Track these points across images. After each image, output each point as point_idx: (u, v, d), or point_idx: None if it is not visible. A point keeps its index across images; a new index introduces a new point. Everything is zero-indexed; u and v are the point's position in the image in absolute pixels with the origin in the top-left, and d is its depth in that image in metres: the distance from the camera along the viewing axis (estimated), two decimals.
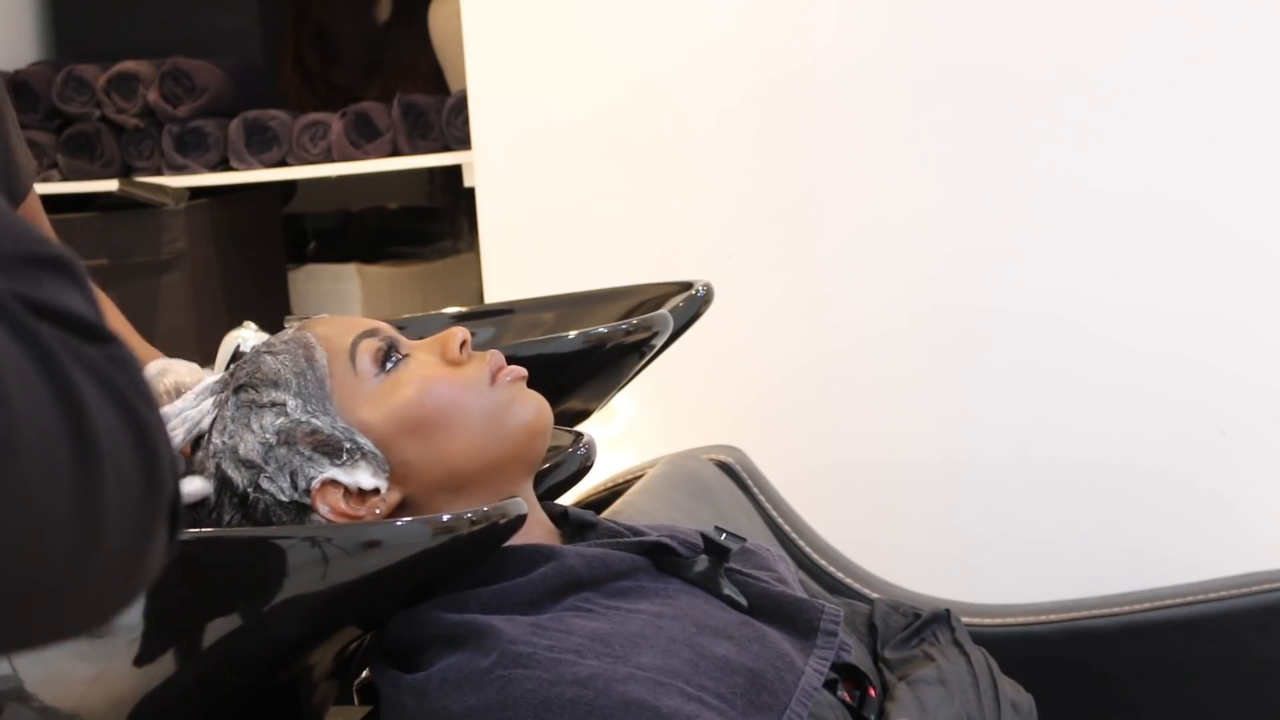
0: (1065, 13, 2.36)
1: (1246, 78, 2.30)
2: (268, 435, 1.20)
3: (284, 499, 1.19)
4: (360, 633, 1.24)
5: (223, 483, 1.21)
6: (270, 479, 1.20)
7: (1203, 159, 2.33)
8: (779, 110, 2.49)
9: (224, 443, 1.21)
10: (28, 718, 1.15)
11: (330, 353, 1.23)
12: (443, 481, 1.21)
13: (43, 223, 1.61)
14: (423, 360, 1.24)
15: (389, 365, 1.23)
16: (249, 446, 1.20)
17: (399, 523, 1.15)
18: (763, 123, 2.50)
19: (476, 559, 1.17)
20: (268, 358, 1.23)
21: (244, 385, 1.23)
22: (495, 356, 1.24)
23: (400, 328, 1.34)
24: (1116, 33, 2.34)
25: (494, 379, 1.23)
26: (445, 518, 1.12)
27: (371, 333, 1.24)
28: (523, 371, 1.25)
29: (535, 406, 1.24)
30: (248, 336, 1.69)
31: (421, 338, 1.28)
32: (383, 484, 1.20)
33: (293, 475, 1.19)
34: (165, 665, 1.13)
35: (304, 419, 1.20)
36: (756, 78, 2.50)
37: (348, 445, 1.20)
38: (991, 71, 2.39)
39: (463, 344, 1.24)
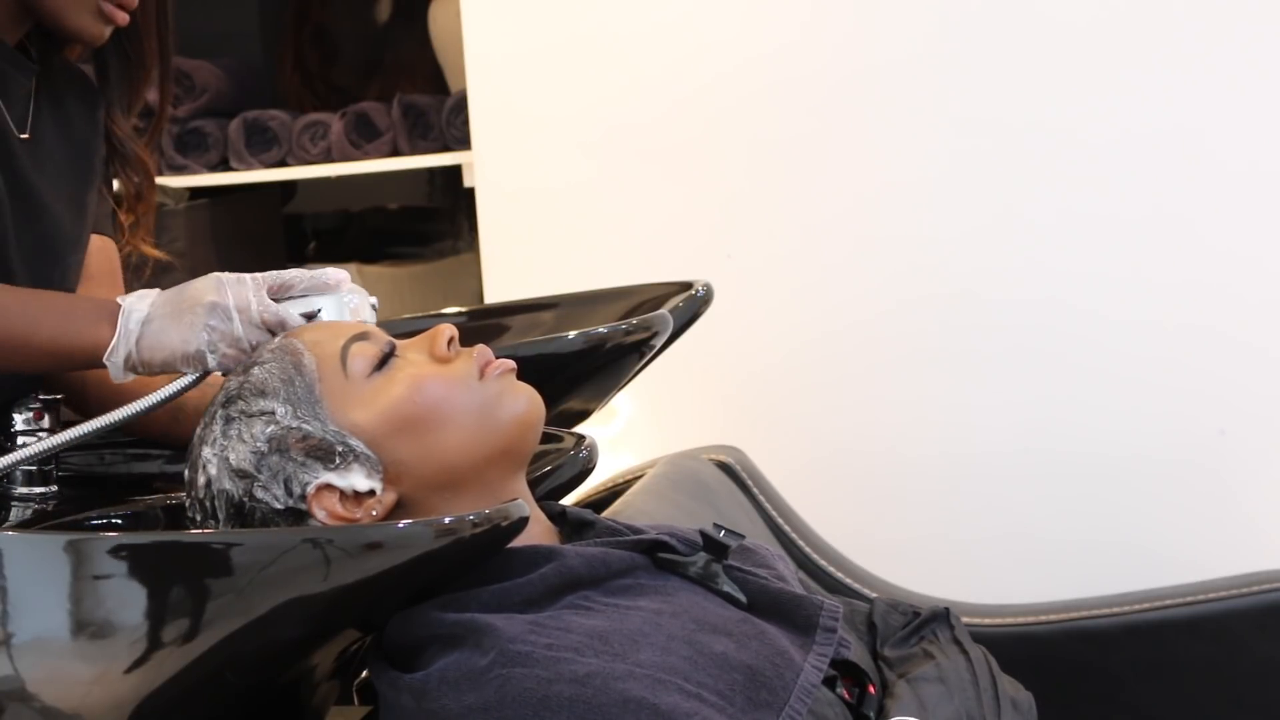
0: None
1: (1253, 58, 2.30)
2: (259, 444, 1.20)
3: (279, 506, 1.19)
4: (361, 635, 1.24)
5: (217, 494, 1.21)
6: (264, 487, 1.20)
7: (1205, 155, 2.33)
8: (778, 110, 2.49)
9: (216, 454, 1.21)
10: (29, 718, 1.15)
11: (320, 358, 1.23)
12: (437, 479, 1.21)
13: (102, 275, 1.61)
14: (411, 359, 1.24)
15: (381, 367, 1.23)
16: (241, 456, 1.20)
17: (401, 525, 1.15)
18: (762, 123, 2.50)
19: (478, 561, 1.18)
20: (255, 368, 1.23)
21: (233, 397, 1.23)
22: (483, 351, 1.25)
23: (397, 328, 1.35)
24: (1119, 20, 2.34)
25: (483, 373, 1.23)
26: (447, 520, 1.12)
27: (363, 336, 1.25)
28: (511, 364, 1.25)
29: (526, 398, 1.24)
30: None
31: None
32: (377, 485, 1.20)
33: (286, 482, 1.20)
34: (166, 666, 1.13)
35: (294, 425, 1.20)
36: (756, 78, 2.50)
37: (340, 448, 1.20)
38: (988, 66, 2.40)
39: (450, 340, 1.24)
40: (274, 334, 1.26)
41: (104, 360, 1.28)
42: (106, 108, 1.54)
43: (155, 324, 1.27)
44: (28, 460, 1.28)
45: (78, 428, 1.28)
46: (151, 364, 1.28)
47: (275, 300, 1.27)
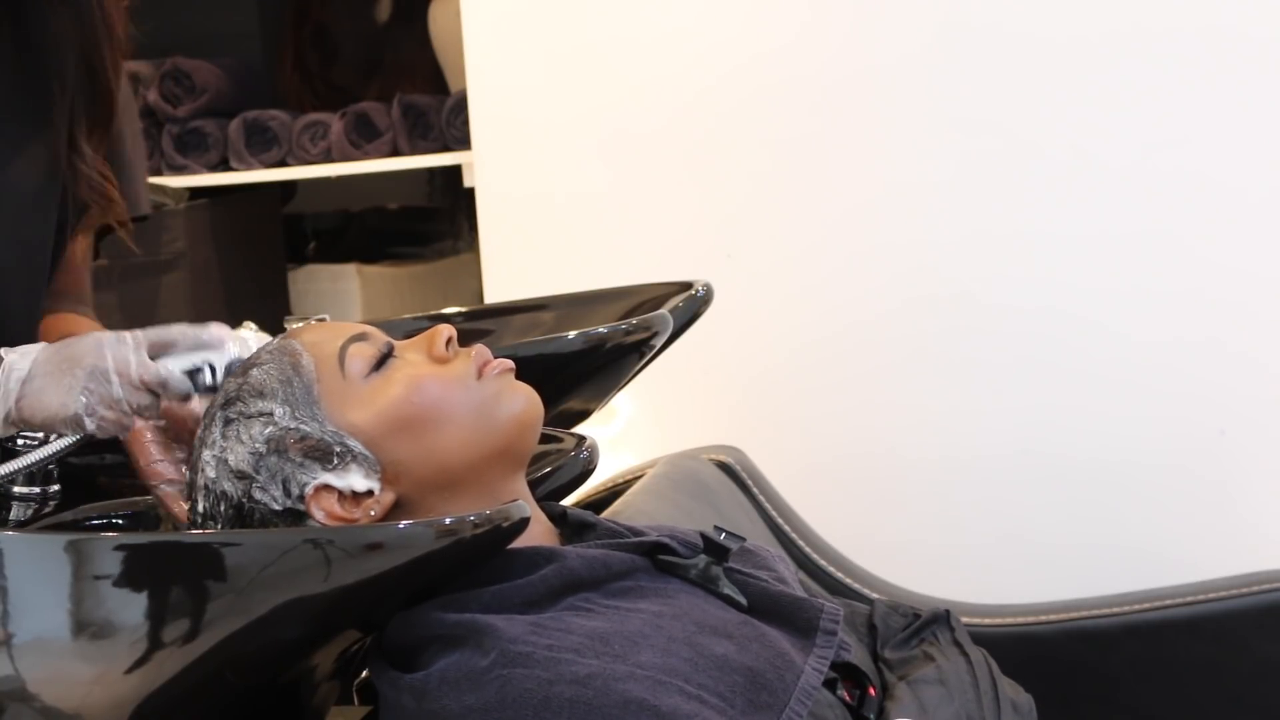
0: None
1: (1251, 72, 2.30)
2: (257, 445, 1.20)
3: (278, 507, 1.20)
4: (361, 635, 1.24)
5: (217, 496, 1.21)
6: (263, 488, 1.20)
7: (1203, 163, 2.33)
8: (779, 111, 2.49)
9: (215, 456, 1.21)
10: (30, 718, 1.15)
11: (318, 359, 1.23)
12: (435, 479, 1.21)
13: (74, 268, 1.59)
14: (410, 360, 1.24)
15: (379, 368, 1.23)
16: (239, 457, 1.20)
17: (401, 525, 1.15)
18: (763, 123, 2.50)
19: (479, 562, 1.18)
20: (254, 370, 1.23)
21: (232, 399, 1.23)
22: (481, 351, 1.25)
23: (396, 328, 1.35)
24: (1121, 29, 2.34)
25: (481, 373, 1.23)
26: (448, 520, 1.12)
27: (361, 337, 1.25)
28: (509, 364, 1.25)
29: (524, 398, 1.24)
30: (248, 337, 1.69)
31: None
32: (375, 485, 1.20)
33: (285, 483, 1.20)
34: (167, 666, 1.13)
35: (293, 426, 1.20)
36: (756, 78, 2.50)
37: (338, 449, 1.20)
38: (989, 72, 2.40)
39: (448, 340, 1.24)
40: (155, 394, 1.25)
41: None
42: (71, 139, 1.51)
43: (36, 383, 1.25)
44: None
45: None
46: (31, 423, 1.27)
47: (156, 358, 1.25)
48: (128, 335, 1.26)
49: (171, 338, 1.27)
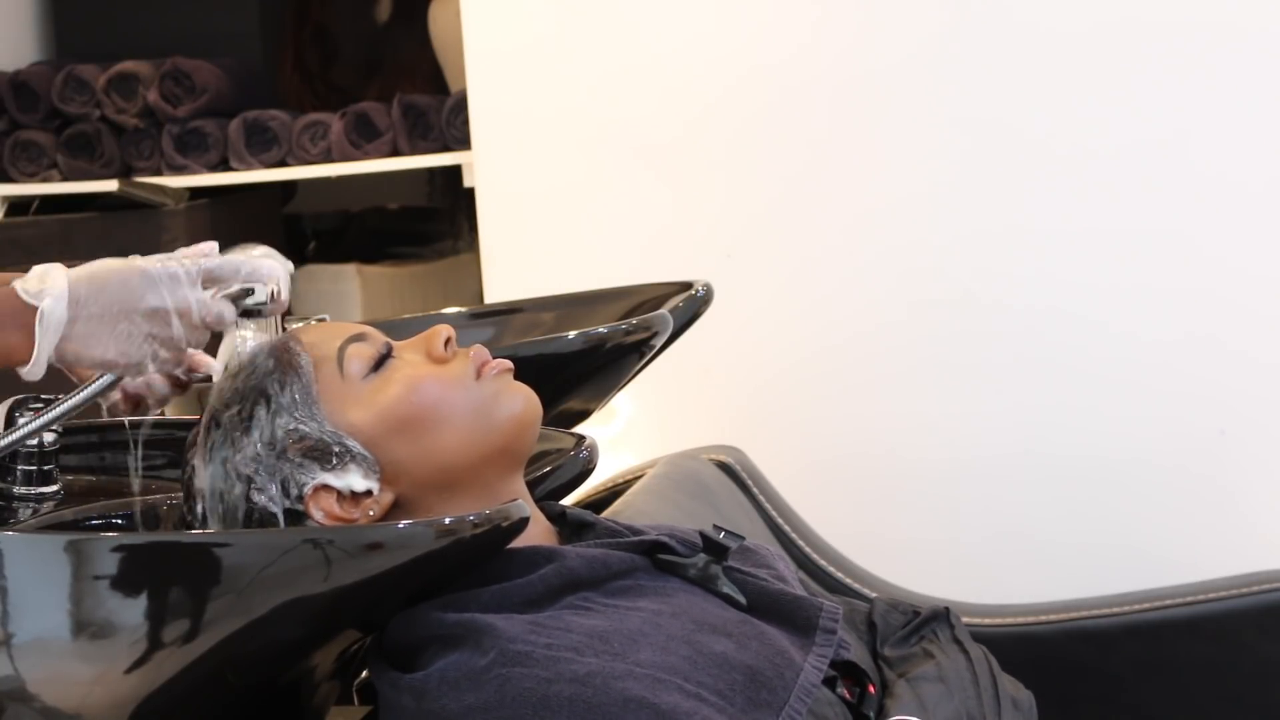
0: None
1: (1253, 70, 2.30)
2: (256, 445, 1.20)
3: (276, 508, 1.19)
4: (361, 635, 1.24)
5: (216, 497, 1.21)
6: (260, 489, 1.20)
7: (1205, 164, 2.33)
8: (780, 109, 2.49)
9: (213, 457, 1.21)
10: (30, 718, 1.15)
11: (317, 359, 1.23)
12: (434, 479, 1.21)
13: None
14: (408, 360, 1.24)
15: (378, 368, 1.23)
16: (238, 458, 1.20)
17: (401, 525, 1.15)
18: (763, 122, 2.50)
19: (478, 561, 1.18)
20: (252, 371, 1.23)
21: (230, 401, 1.23)
22: (479, 351, 1.25)
23: (397, 328, 1.35)
24: (1121, 30, 2.34)
25: (479, 373, 1.23)
26: (448, 520, 1.13)
27: (359, 337, 1.25)
28: (508, 364, 1.25)
29: (523, 398, 1.24)
30: (247, 337, 1.69)
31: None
32: (374, 485, 1.20)
33: (284, 483, 1.20)
34: (167, 667, 1.13)
35: (291, 426, 1.20)
36: (757, 78, 2.50)
37: (337, 449, 1.20)
38: (992, 73, 2.40)
39: (447, 341, 1.24)
40: (211, 331, 1.20)
41: (23, 375, 1.16)
42: None
43: (81, 327, 1.16)
44: None
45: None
46: (77, 367, 1.22)
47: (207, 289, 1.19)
48: (179, 270, 1.17)
49: (226, 275, 1.19)
